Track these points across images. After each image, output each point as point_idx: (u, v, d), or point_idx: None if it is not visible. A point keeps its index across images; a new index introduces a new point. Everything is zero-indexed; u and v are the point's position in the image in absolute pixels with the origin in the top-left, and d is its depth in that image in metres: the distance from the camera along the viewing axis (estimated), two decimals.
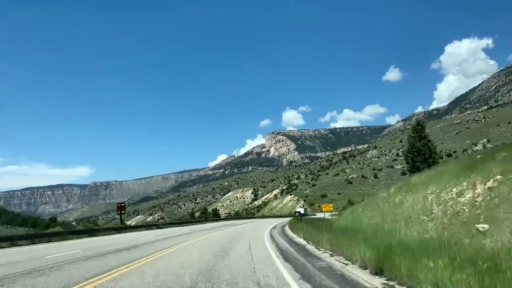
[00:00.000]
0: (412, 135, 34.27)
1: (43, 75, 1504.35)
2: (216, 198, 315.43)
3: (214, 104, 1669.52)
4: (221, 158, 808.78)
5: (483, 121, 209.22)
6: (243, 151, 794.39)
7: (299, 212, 74.02)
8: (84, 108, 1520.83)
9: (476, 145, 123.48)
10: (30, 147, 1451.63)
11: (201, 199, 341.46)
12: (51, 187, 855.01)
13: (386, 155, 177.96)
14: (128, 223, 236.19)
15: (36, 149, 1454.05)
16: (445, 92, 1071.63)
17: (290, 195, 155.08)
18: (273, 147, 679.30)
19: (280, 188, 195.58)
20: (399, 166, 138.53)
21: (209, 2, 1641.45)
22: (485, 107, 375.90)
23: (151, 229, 37.44)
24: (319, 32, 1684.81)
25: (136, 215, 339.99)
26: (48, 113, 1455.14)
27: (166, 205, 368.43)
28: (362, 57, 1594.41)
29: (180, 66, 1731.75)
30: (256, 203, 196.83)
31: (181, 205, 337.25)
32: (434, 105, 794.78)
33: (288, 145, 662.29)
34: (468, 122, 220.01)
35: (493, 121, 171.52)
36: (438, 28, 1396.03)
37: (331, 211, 33.44)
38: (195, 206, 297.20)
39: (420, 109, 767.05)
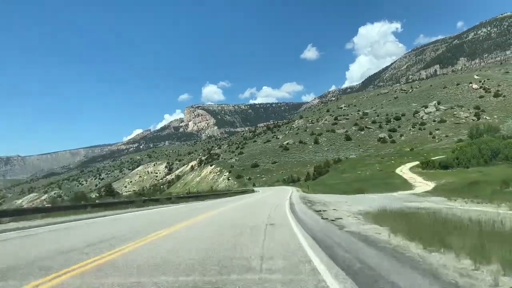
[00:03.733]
0: None
1: None
2: (124, 173, 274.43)
3: (130, 77, 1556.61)
4: (136, 132, 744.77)
5: (410, 90, 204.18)
6: (160, 125, 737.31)
7: None
8: None
9: (427, 107, 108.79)
10: None
11: (106, 174, 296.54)
12: None
13: (319, 121, 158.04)
14: (19, 202, 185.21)
15: None
16: (356, 73, 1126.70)
17: (211, 165, 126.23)
18: (191, 122, 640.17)
19: (198, 159, 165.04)
20: (341, 130, 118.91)
21: None
22: (398, 84, 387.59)
23: None
24: (239, 10, 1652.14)
25: (31, 193, 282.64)
26: None
27: (66, 181, 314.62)
28: (282, 34, 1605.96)
29: (97, 33, 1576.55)
30: (169, 177, 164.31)
31: (82, 181, 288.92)
32: (346, 84, 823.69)
33: (207, 120, 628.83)
34: (396, 91, 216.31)
35: (438, 84, 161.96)
36: (354, 9, 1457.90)
37: None
38: (99, 182, 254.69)
39: (334, 87, 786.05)
